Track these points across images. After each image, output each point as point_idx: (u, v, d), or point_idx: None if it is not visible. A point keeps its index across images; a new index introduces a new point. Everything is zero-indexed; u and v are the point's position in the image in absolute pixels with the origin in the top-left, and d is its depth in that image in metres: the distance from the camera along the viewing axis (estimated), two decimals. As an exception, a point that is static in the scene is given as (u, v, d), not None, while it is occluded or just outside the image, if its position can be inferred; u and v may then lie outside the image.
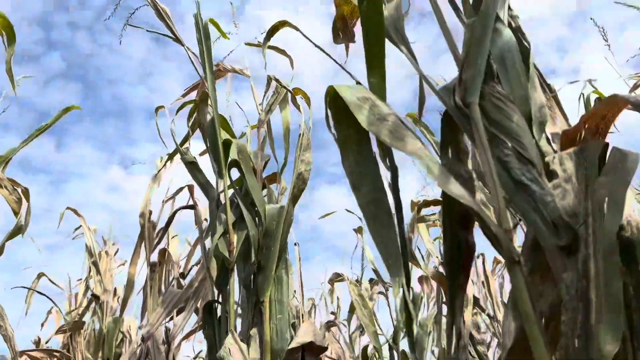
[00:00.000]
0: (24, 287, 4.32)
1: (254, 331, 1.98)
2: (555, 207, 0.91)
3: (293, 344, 1.82)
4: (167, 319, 3.25)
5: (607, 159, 0.97)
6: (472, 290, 4.00)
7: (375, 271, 4.72)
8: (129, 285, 3.08)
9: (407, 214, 4.46)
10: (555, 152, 1.16)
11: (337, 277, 5.06)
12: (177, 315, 3.29)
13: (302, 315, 2.07)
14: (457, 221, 1.06)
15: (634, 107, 0.93)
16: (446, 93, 1.14)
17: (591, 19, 2.65)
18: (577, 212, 0.92)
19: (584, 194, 0.93)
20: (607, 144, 1.01)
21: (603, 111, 1.04)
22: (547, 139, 1.21)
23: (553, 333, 0.92)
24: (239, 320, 2.33)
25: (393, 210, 1.11)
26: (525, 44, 1.22)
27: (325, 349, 1.89)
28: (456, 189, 0.96)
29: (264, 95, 2.45)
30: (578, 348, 0.79)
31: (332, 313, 6.45)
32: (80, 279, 5.54)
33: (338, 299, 6.57)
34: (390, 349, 4.39)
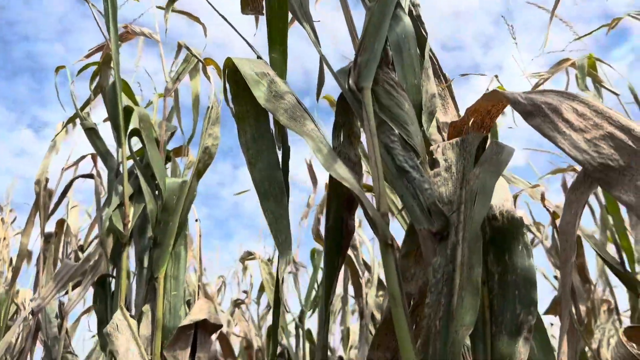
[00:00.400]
0: None
1: (146, 307, 1.92)
2: (431, 194, 0.94)
3: (185, 321, 1.79)
4: (62, 292, 3.09)
5: (485, 150, 1.01)
6: (377, 272, 4.13)
7: (286, 251, 4.73)
8: (21, 256, 2.89)
9: (321, 193, 4.50)
10: (444, 141, 1.19)
11: (248, 256, 5.03)
12: (74, 289, 3.14)
13: (197, 292, 2.03)
14: (341, 203, 1.06)
15: (512, 104, 0.96)
16: (342, 76, 1.14)
17: (502, 17, 2.76)
18: (452, 201, 0.95)
19: (460, 183, 0.96)
20: (487, 137, 1.05)
21: (487, 106, 1.08)
22: (439, 128, 1.24)
23: (420, 316, 0.96)
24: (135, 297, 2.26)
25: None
26: (424, 33, 1.24)
27: (220, 326, 1.87)
28: (341, 172, 0.97)
29: (173, 63, 2.35)
30: (439, 330, 0.82)
31: (244, 292, 6.44)
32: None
33: (251, 277, 6.57)
34: (297, 327, 4.45)
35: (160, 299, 1.90)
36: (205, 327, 1.85)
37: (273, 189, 1.09)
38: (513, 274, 0.91)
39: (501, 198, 1.00)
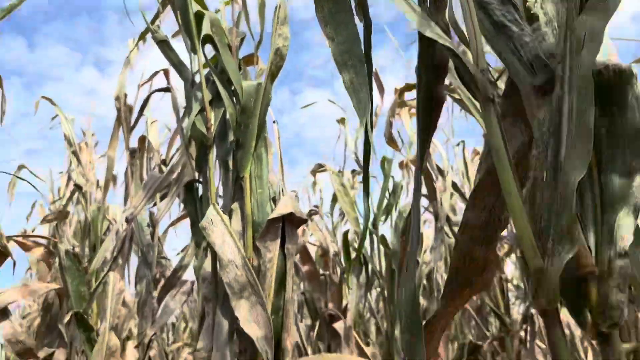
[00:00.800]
0: (5, 173, 4.30)
1: (235, 205, 2.01)
2: (533, 47, 0.89)
3: (274, 214, 1.86)
4: (151, 204, 3.30)
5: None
6: (451, 176, 4.10)
7: (357, 161, 4.77)
8: (110, 168, 3.08)
9: (390, 99, 4.43)
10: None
11: (319, 168, 5.12)
12: (161, 200, 3.33)
13: (282, 190, 2.10)
14: (431, 71, 1.04)
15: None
16: None
17: None
18: (555, 53, 0.90)
19: (563, 33, 0.91)
20: (591, -15, 0.97)
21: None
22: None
23: (519, 176, 0.94)
24: (219, 201, 2.36)
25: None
26: None
27: (306, 220, 1.94)
28: (436, 31, 0.93)
29: (238, -36, 2.30)
30: (547, 179, 0.81)
31: (315, 206, 6.61)
32: (62, 172, 5.54)
33: (321, 191, 6.72)
34: (370, 233, 4.55)
35: (247, 196, 1.98)
36: (291, 221, 1.92)
37: (353, 60, 1.07)
38: (622, 126, 0.87)
39: (605, 53, 0.94)
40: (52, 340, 3.23)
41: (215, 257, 1.90)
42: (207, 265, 2.03)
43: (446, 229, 3.82)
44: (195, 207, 2.28)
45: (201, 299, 2.43)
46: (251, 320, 1.64)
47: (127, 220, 2.75)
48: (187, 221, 4.11)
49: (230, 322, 1.77)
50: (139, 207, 2.84)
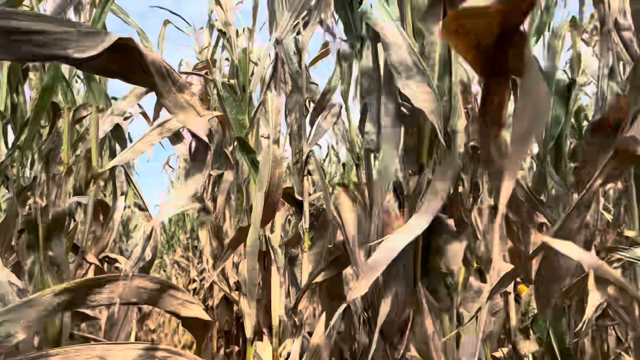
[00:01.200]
0: (161, 7, 4.57)
1: (389, -5, 1.93)
2: None
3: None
4: (294, 32, 3.31)
5: None
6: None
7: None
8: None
9: None
10: None
11: None
12: (304, 29, 3.33)
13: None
14: None
15: None
16: None
17: None
18: None
19: None
20: None
21: None
22: None
23: None
24: None
25: None
26: None
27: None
28: None
29: None
30: None
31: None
32: (202, 27, 5.75)
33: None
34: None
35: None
36: (453, 2, 1.80)
37: None
38: None
39: None
40: (220, 164, 3.57)
41: (375, 46, 1.88)
42: (365, 61, 2.02)
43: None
44: (345, 7, 2.24)
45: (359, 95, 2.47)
46: (420, 96, 1.62)
47: (277, 42, 2.80)
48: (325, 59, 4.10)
49: (395, 107, 1.78)
50: (286, 30, 2.86)
